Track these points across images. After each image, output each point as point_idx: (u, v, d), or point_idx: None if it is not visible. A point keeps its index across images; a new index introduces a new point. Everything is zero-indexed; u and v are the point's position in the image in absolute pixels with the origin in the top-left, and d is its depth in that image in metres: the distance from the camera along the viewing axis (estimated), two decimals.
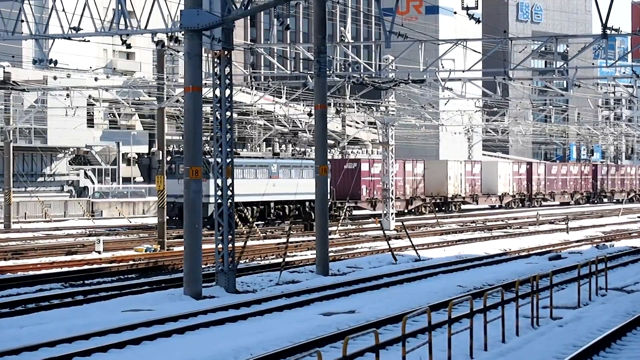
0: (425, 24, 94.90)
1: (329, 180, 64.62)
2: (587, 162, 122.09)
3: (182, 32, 26.99)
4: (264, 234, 50.90)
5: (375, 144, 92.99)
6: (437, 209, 75.49)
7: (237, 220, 53.85)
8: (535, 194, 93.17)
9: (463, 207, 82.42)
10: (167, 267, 36.10)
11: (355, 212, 70.81)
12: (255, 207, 56.73)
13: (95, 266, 35.18)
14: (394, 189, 62.98)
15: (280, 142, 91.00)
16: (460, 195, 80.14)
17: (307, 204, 62.10)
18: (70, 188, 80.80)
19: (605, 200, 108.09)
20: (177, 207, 54.29)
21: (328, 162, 62.40)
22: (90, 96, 60.28)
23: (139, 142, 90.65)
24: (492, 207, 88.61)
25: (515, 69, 42.67)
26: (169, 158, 56.05)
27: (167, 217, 55.38)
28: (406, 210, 73.40)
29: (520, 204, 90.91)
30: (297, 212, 61.14)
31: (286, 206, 61.07)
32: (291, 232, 36.01)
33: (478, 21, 38.98)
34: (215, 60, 27.40)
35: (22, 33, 33.22)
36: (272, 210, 60.56)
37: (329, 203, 64.29)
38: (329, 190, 64.03)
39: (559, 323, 21.01)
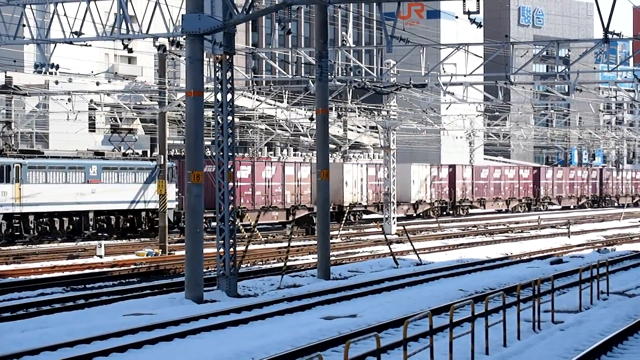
0: (427, 28, 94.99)
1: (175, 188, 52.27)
2: (527, 165, 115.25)
3: (184, 37, 27.03)
4: (265, 241, 50.85)
5: (377, 148, 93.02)
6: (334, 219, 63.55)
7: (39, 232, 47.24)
8: (460, 201, 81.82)
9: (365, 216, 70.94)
10: (169, 271, 36.13)
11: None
12: (66, 219, 48.99)
13: (96, 270, 35.23)
14: (271, 197, 57.73)
15: (281, 146, 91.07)
16: (360, 203, 68.34)
17: (143, 214, 52.81)
18: None
19: (552, 207, 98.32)
20: None
21: (174, 164, 54.69)
22: (91, 100, 60.27)
23: (141, 147, 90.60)
24: (409, 217, 74.92)
25: (517, 73, 42.72)
26: None
27: None
28: (287, 221, 61.67)
29: (442, 213, 79.18)
30: (127, 225, 52.17)
31: (112, 217, 51.45)
32: (292, 236, 36.02)
33: (479, 26, 38.99)
34: (217, 64, 27.44)
35: (24, 38, 33.28)
36: (92, 223, 50.29)
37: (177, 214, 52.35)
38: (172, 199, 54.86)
39: (560, 327, 21.01)
